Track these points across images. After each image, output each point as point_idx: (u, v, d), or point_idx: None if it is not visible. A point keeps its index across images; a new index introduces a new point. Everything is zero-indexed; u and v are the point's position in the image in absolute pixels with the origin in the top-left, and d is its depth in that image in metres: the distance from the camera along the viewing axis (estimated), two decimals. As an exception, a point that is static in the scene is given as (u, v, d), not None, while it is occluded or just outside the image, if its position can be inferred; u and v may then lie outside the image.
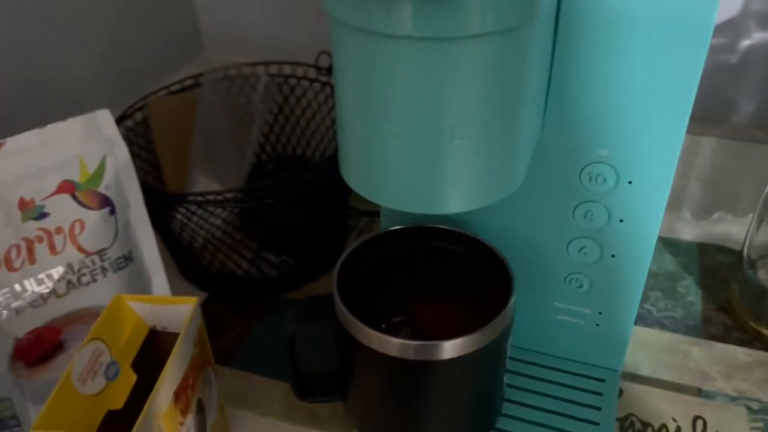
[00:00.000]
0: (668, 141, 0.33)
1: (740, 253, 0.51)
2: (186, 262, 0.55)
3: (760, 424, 0.43)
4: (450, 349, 0.33)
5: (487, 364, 0.36)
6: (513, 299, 0.35)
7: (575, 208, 0.37)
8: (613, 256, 0.38)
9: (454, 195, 0.29)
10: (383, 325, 0.43)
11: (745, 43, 0.51)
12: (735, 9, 0.50)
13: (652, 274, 0.55)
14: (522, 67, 0.28)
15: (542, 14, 0.28)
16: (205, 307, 0.54)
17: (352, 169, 0.31)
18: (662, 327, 0.51)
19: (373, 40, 0.26)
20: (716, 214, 0.57)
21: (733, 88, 0.54)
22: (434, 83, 0.26)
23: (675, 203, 0.57)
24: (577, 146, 0.35)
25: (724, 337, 0.50)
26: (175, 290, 0.50)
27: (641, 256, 0.38)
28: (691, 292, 0.54)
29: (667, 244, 0.58)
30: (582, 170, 0.36)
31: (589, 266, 0.39)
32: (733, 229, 0.57)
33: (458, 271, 0.40)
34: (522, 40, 0.27)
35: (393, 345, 0.34)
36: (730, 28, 0.51)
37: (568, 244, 0.39)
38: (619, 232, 0.37)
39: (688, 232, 0.58)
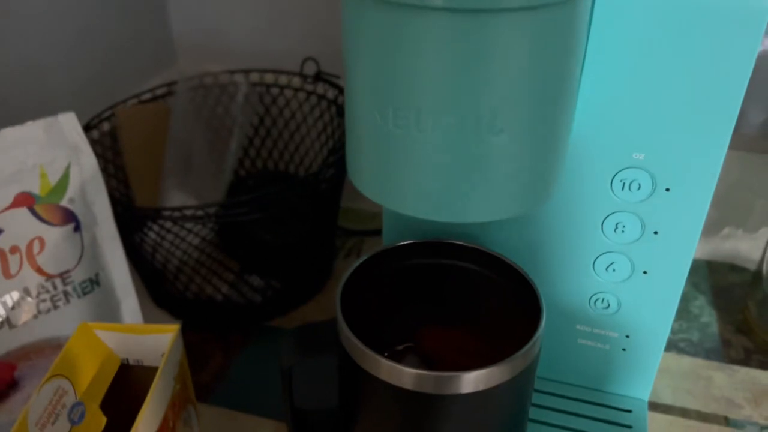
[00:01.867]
0: (712, 144, 0.30)
1: (758, 272, 0.48)
2: (158, 286, 0.49)
3: (796, 456, 0.40)
4: (473, 381, 0.29)
5: (513, 398, 0.31)
6: (543, 322, 0.31)
7: (604, 220, 0.33)
8: (645, 272, 0.34)
9: (488, 201, 0.25)
10: (385, 354, 0.38)
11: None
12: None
13: (662, 294, 0.52)
14: (569, 48, 0.24)
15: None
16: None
17: (364, 172, 0.27)
18: (680, 351, 0.47)
19: (398, 12, 0.22)
20: (725, 230, 0.54)
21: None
22: (472, 65, 0.22)
23: (683, 219, 0.54)
24: (609, 149, 0.31)
25: (745, 360, 0.46)
26: (146, 318, 0.44)
27: (677, 272, 0.34)
28: (705, 313, 0.50)
29: (674, 262, 0.55)
30: (614, 176, 0.32)
31: (618, 284, 0.35)
32: (743, 245, 0.54)
33: (473, 292, 0.36)
34: (570, 13, 0.23)
35: (407, 376, 0.29)
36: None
37: (594, 260, 0.35)
38: (653, 246, 0.33)
39: (697, 249, 0.55)
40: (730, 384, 0.44)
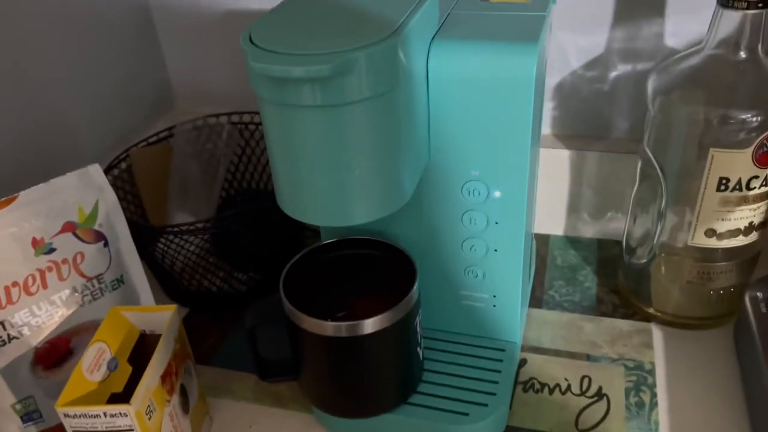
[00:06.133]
0: (518, 163, 0.45)
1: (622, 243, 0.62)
2: (169, 283, 0.65)
3: (634, 378, 0.54)
4: (370, 325, 0.44)
5: (401, 336, 0.46)
6: (416, 285, 0.46)
7: (462, 215, 0.48)
8: (495, 250, 0.49)
9: (357, 211, 0.41)
10: (328, 319, 0.54)
11: (613, 74, 0.64)
12: (600, 49, 0.62)
13: (556, 268, 0.67)
14: (396, 119, 0.39)
15: (405, 81, 0.39)
16: (188, 320, 0.65)
17: (284, 198, 0.43)
18: (563, 309, 0.62)
19: (283, 109, 0.37)
20: (608, 214, 0.69)
21: (608, 110, 0.66)
22: (334, 138, 0.38)
23: (574, 207, 0.69)
24: (457, 170, 0.46)
25: (612, 313, 0.61)
26: (161, 307, 0.60)
27: (516, 249, 0.49)
28: (588, 280, 0.65)
29: (571, 241, 0.69)
30: (462, 186, 0.47)
31: (480, 259, 0.50)
32: (621, 225, 0.68)
33: (380, 271, 0.51)
34: (392, 100, 0.38)
35: (327, 327, 0.45)
36: (599, 64, 0.63)
37: (462, 244, 0.50)
38: (497, 232, 0.48)
39: (588, 230, 0.70)
40: (595, 330, 0.59)
